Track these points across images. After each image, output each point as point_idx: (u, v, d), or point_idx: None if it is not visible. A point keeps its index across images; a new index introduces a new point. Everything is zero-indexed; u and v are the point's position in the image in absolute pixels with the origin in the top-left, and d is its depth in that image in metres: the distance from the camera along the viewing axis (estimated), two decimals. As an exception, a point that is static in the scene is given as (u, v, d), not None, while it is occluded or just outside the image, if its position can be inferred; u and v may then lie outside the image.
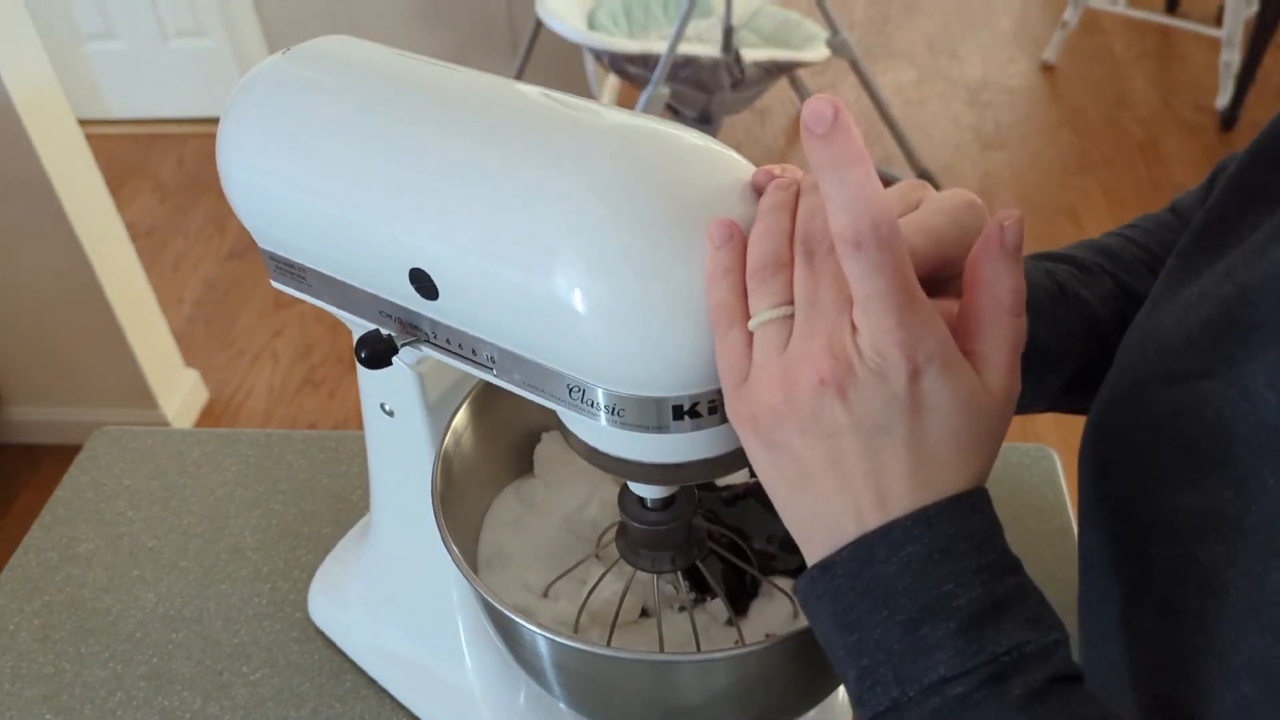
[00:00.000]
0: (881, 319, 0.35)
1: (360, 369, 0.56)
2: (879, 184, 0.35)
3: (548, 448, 0.66)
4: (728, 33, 2.34)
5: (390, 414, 0.60)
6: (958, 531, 0.37)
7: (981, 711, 0.36)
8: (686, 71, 2.35)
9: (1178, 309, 0.47)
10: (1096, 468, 0.48)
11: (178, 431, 0.94)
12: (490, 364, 0.47)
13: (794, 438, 0.38)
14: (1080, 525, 0.52)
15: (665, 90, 2.34)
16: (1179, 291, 0.48)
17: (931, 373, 0.36)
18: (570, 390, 0.44)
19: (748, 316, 0.39)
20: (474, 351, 0.47)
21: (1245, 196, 0.48)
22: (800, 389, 0.37)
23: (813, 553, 0.40)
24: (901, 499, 0.37)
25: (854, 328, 0.36)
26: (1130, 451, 0.46)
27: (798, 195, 0.40)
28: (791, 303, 0.38)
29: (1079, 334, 0.57)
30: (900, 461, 0.37)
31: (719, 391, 0.42)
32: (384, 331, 0.50)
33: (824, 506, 0.38)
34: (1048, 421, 2.06)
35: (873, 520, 0.38)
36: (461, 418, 0.59)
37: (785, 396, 0.37)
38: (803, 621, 0.54)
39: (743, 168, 0.43)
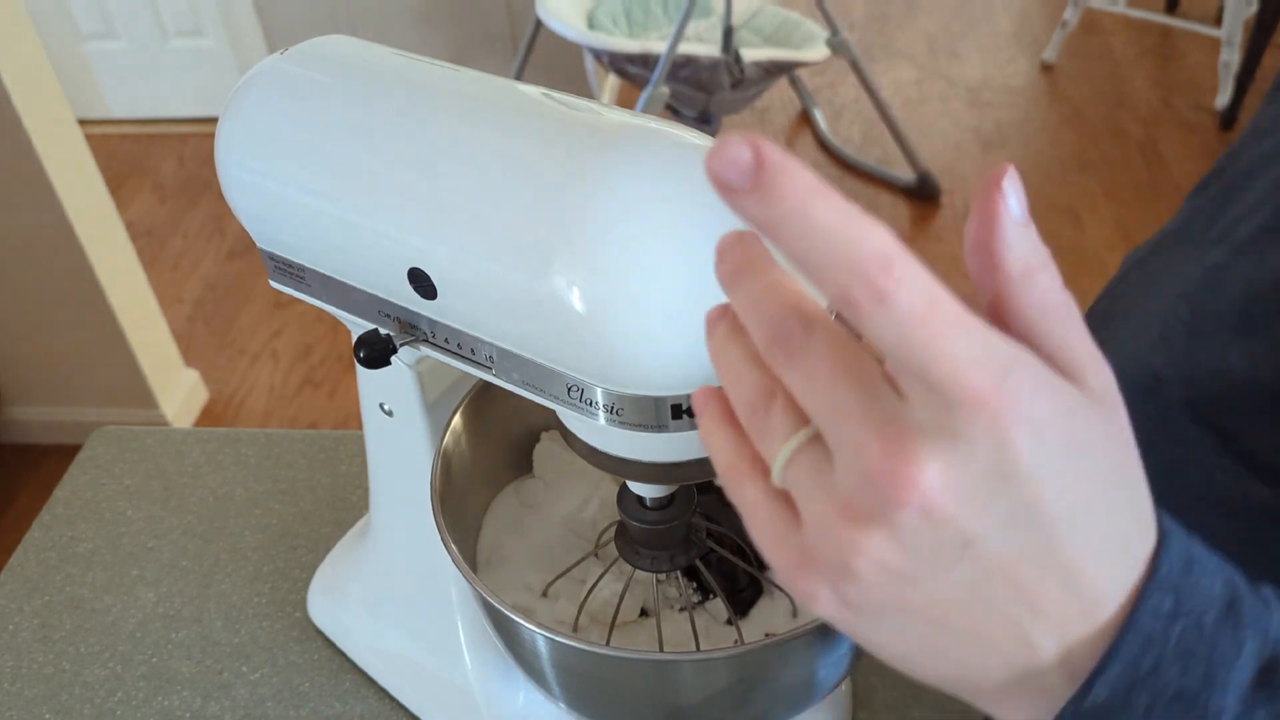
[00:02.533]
0: (941, 359, 0.25)
1: (359, 369, 0.56)
2: (852, 210, 0.26)
3: (547, 447, 0.66)
4: (728, 32, 2.34)
5: (389, 414, 0.60)
6: (1205, 567, 0.29)
7: None
8: (686, 71, 2.35)
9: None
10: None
11: (178, 431, 0.94)
12: (489, 363, 0.47)
13: (911, 591, 0.28)
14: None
15: (665, 90, 2.34)
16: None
17: (1027, 397, 0.26)
18: (569, 389, 0.44)
19: (760, 463, 0.30)
20: (473, 351, 0.47)
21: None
22: (890, 523, 0.26)
23: (1020, 712, 0.30)
24: (1104, 574, 0.28)
25: (901, 394, 0.27)
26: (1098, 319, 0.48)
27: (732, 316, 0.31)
28: (805, 422, 0.29)
29: None
30: (1077, 528, 0.27)
31: (718, 391, 0.42)
32: (383, 331, 0.50)
33: (996, 659, 0.29)
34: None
35: (1078, 626, 0.28)
36: (461, 417, 0.59)
37: (875, 545, 0.27)
38: (802, 621, 0.54)
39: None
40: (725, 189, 0.26)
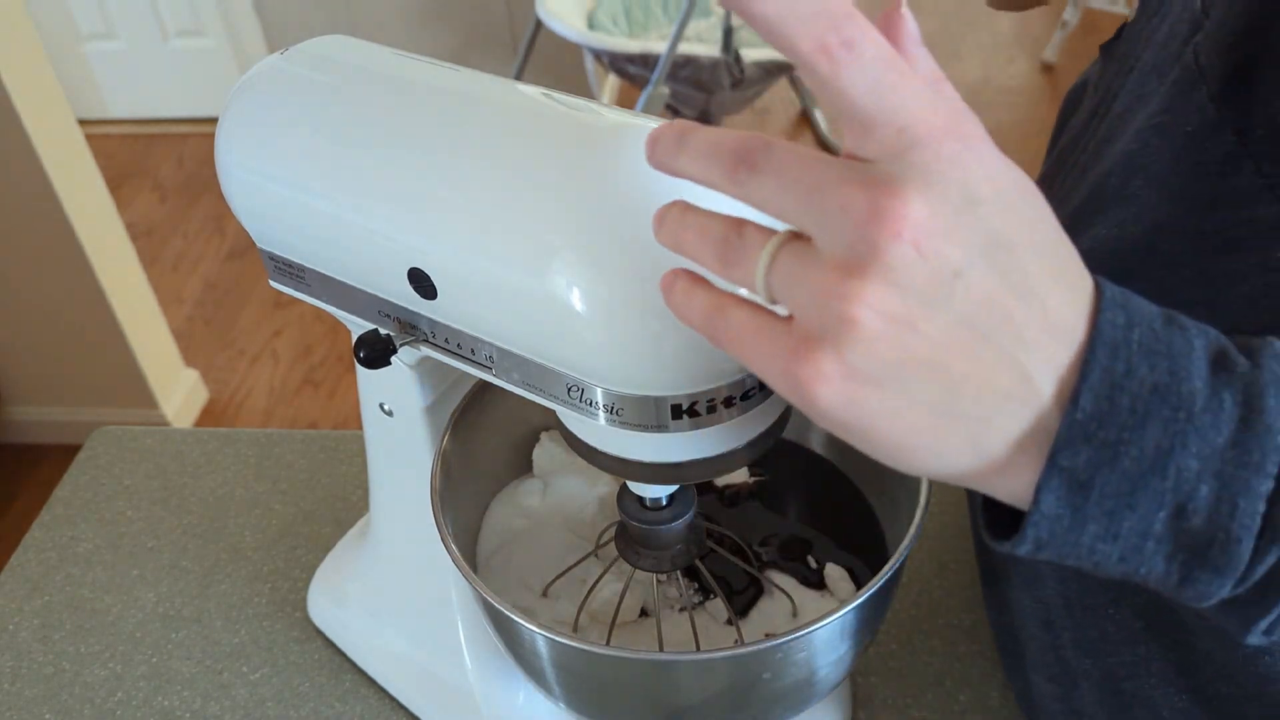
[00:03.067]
0: (904, 102, 0.28)
1: (359, 369, 0.56)
2: None
3: (547, 447, 0.66)
4: (728, 32, 2.34)
5: (389, 414, 0.60)
6: (1140, 304, 0.31)
7: None
8: (686, 71, 2.35)
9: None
10: None
11: (178, 431, 0.94)
12: (489, 363, 0.47)
13: (912, 333, 0.29)
14: None
15: (665, 90, 2.34)
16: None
17: (979, 136, 0.30)
18: (569, 389, 0.44)
19: (739, 300, 0.32)
20: (473, 351, 0.47)
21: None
22: (885, 263, 0.28)
23: (1021, 464, 0.31)
24: (1066, 304, 0.30)
25: (866, 161, 0.29)
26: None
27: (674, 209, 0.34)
28: (773, 233, 0.31)
29: None
30: (1040, 265, 0.29)
31: (718, 390, 0.42)
32: (383, 331, 0.50)
33: (992, 398, 0.30)
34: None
35: (1061, 351, 0.30)
36: (460, 417, 0.59)
37: (873, 290, 0.28)
38: (802, 621, 0.54)
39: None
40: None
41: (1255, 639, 0.33)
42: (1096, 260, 0.45)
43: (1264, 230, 0.41)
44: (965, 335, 0.29)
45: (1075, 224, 0.48)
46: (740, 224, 0.31)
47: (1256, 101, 0.41)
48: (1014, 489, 0.32)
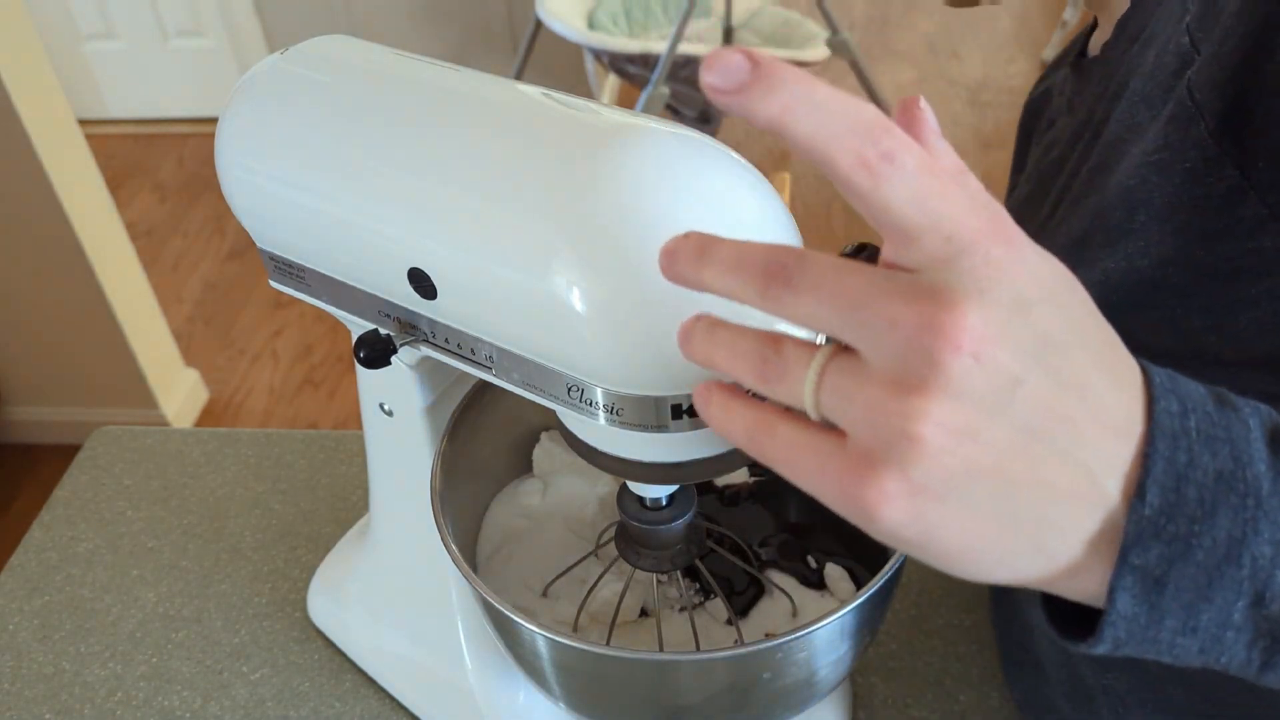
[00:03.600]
0: (948, 209, 0.28)
1: (359, 369, 0.56)
2: (837, 89, 0.28)
3: (547, 447, 0.66)
4: (728, 33, 2.34)
5: (389, 414, 0.60)
6: (1189, 387, 0.31)
7: None
8: (686, 71, 2.35)
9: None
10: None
11: (178, 431, 0.94)
12: (489, 363, 0.47)
13: (976, 446, 0.28)
14: None
15: (665, 90, 2.34)
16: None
17: (1017, 235, 0.29)
18: (569, 389, 0.44)
19: (788, 415, 0.31)
20: (473, 351, 0.47)
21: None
22: (945, 376, 0.27)
23: (1094, 564, 0.30)
24: (1121, 398, 0.30)
25: (910, 270, 0.28)
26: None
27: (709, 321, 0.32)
28: (817, 346, 0.30)
29: None
30: (1091, 362, 0.29)
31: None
32: (383, 331, 0.50)
33: (1059, 503, 0.29)
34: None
35: (1122, 447, 0.29)
36: (461, 417, 0.59)
37: (935, 405, 0.27)
38: (802, 621, 0.54)
39: (742, 167, 0.43)
40: (728, 93, 0.27)
41: None
42: (1109, 292, 0.45)
43: (1271, 258, 0.42)
44: (1027, 441, 0.28)
45: (1079, 255, 0.48)
46: (777, 340, 0.30)
47: (1256, 135, 0.41)
48: (1086, 588, 0.31)
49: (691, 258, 0.31)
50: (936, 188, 0.28)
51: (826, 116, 0.27)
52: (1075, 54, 0.59)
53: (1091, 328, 0.30)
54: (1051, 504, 0.29)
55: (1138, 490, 0.29)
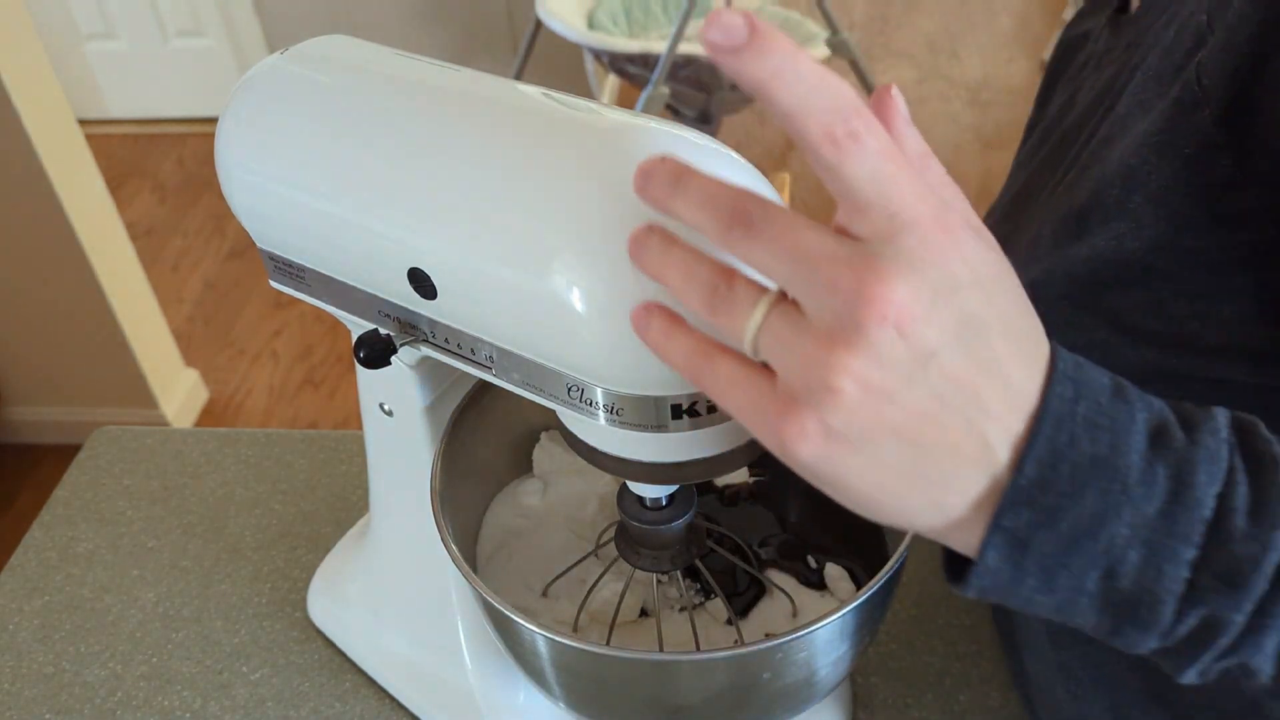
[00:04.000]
0: (897, 191, 0.31)
1: (359, 369, 0.56)
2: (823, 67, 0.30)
3: (547, 447, 0.66)
4: (728, 32, 2.34)
5: (389, 414, 0.60)
6: (1091, 375, 0.34)
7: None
8: (686, 71, 2.35)
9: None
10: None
11: (178, 431, 0.94)
12: (489, 363, 0.47)
13: (889, 405, 0.31)
14: None
15: (665, 90, 2.34)
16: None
17: (960, 226, 0.32)
18: (569, 389, 0.44)
19: (726, 350, 0.34)
20: (473, 351, 0.47)
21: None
22: (868, 340, 0.30)
23: (976, 522, 0.34)
24: (1026, 378, 0.33)
25: (856, 238, 0.31)
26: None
27: (661, 233, 0.35)
28: (768, 290, 0.33)
29: None
30: (1006, 344, 0.32)
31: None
32: (383, 331, 0.50)
33: (956, 464, 0.32)
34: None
35: (1017, 422, 0.32)
36: (460, 417, 0.59)
37: (856, 363, 0.31)
38: (802, 621, 0.54)
39: (742, 167, 0.43)
40: (726, 51, 0.30)
41: (1189, 680, 0.35)
42: (1099, 268, 0.46)
43: (1261, 253, 0.42)
44: (935, 408, 0.32)
45: (1077, 227, 0.48)
46: (730, 274, 0.33)
47: (1258, 130, 0.41)
48: (968, 543, 0.34)
49: (665, 183, 0.33)
50: (891, 170, 0.31)
51: (806, 90, 0.30)
52: (1116, 5, 0.58)
53: (1013, 314, 0.33)
54: (950, 466, 0.33)
55: (1018, 462, 0.32)
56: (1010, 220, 0.58)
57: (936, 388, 0.31)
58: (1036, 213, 0.55)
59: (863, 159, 0.30)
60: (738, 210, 0.32)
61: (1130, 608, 0.34)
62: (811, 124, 0.30)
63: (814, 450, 0.32)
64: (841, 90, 0.30)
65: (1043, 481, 0.33)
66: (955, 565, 0.36)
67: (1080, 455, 0.32)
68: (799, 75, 0.30)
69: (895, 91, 0.34)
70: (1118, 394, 0.34)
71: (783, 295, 0.33)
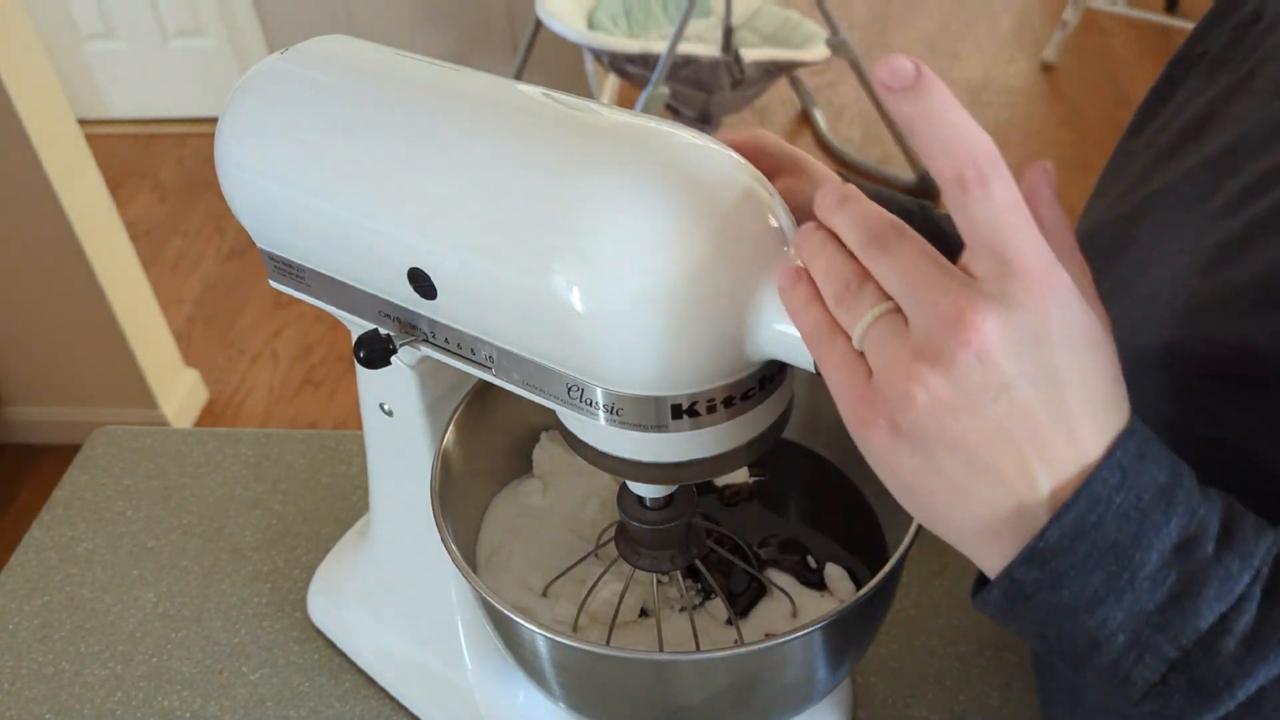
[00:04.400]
0: (1013, 241, 0.34)
1: (359, 369, 0.56)
2: (970, 117, 0.34)
3: (547, 447, 0.66)
4: (727, 32, 2.34)
5: (389, 414, 0.60)
6: (1157, 460, 0.36)
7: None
8: (686, 71, 2.35)
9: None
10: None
11: (178, 431, 0.94)
12: (489, 363, 0.47)
13: (954, 421, 0.34)
14: None
15: (665, 90, 2.34)
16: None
17: (1063, 287, 0.34)
18: (569, 389, 0.44)
19: (845, 334, 0.38)
20: (473, 351, 0.47)
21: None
22: (950, 361, 0.34)
23: (998, 550, 0.37)
24: (1086, 451, 0.35)
25: (972, 276, 0.35)
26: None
27: (826, 232, 0.39)
28: (888, 300, 0.37)
29: None
30: (1082, 406, 0.35)
31: (718, 390, 0.42)
32: (383, 331, 0.50)
33: (1000, 492, 0.35)
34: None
35: (1070, 476, 0.35)
36: (461, 417, 0.59)
37: (934, 378, 0.34)
38: (802, 621, 0.54)
39: (741, 167, 0.43)
40: (892, 91, 0.33)
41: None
42: (1267, 281, 0.44)
43: None
44: (997, 435, 0.34)
45: (1258, 294, 0.45)
46: (863, 276, 0.37)
47: None
48: (983, 563, 0.38)
49: (833, 202, 0.38)
50: (1011, 221, 0.34)
51: (949, 134, 0.34)
52: (1249, 17, 0.56)
53: (1095, 379, 0.35)
54: (994, 492, 0.35)
55: (1043, 527, 0.35)
56: (1127, 229, 0.55)
57: (1003, 419, 0.34)
58: (1183, 238, 0.50)
59: (987, 206, 0.34)
60: (880, 232, 0.36)
61: (1106, 675, 0.37)
62: (946, 165, 0.34)
63: (880, 439, 0.36)
64: (980, 140, 0.34)
65: (1059, 550, 0.35)
66: (979, 576, 0.39)
67: (1102, 538, 0.35)
68: (945, 120, 0.34)
69: (1048, 166, 0.38)
70: (1165, 494, 0.35)
71: (897, 308, 0.36)
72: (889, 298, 0.36)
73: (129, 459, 0.90)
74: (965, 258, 0.35)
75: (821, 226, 0.39)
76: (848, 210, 0.38)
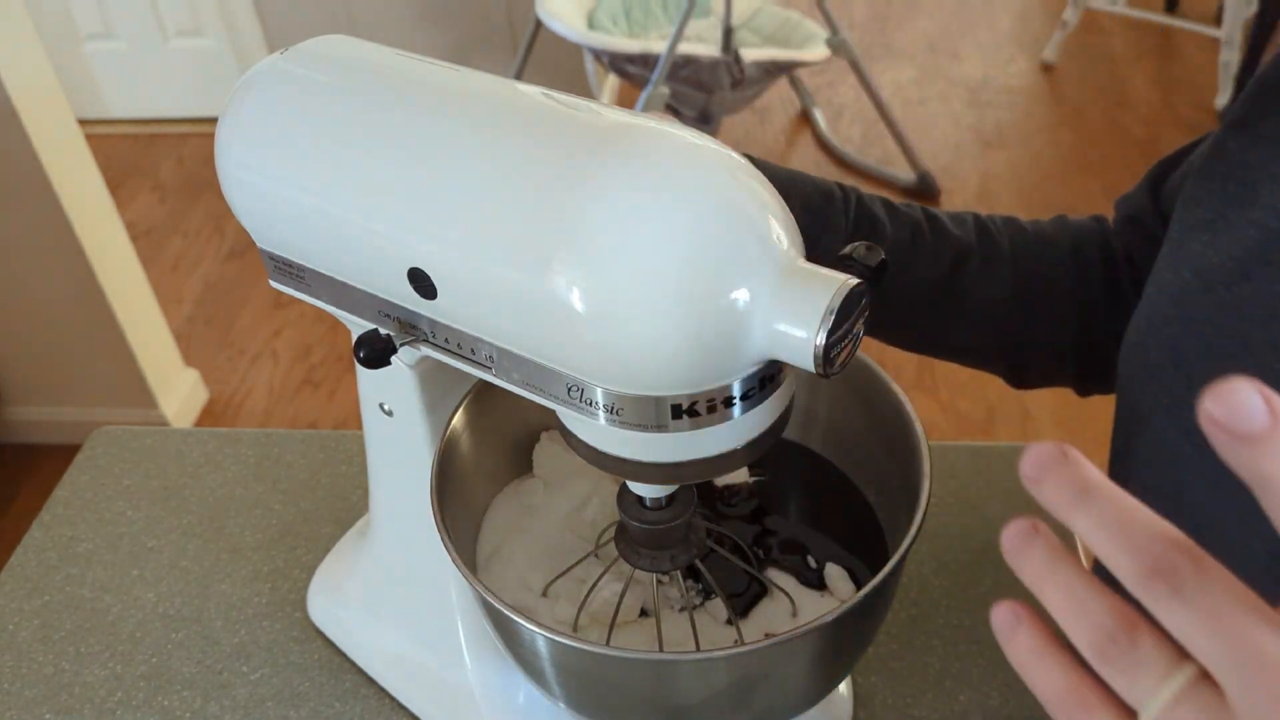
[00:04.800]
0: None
1: (359, 369, 0.56)
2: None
3: (547, 447, 0.66)
4: (727, 32, 2.34)
5: (389, 414, 0.60)
6: None
7: None
8: (686, 71, 2.35)
9: (1203, 237, 0.53)
10: (1147, 374, 0.54)
11: (178, 431, 0.94)
12: (489, 363, 0.47)
13: None
14: (1124, 433, 0.60)
15: (665, 90, 2.34)
16: (1198, 227, 0.54)
17: None
18: (569, 389, 0.44)
19: (1110, 697, 0.27)
20: (473, 351, 0.47)
21: (1249, 140, 0.54)
22: None
23: None
24: None
25: None
26: (1181, 353, 0.52)
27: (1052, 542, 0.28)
28: (1182, 658, 0.26)
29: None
30: None
31: (718, 390, 0.42)
32: (383, 331, 0.50)
33: None
34: (1047, 422, 2.06)
35: None
36: (460, 417, 0.59)
37: None
38: (802, 621, 0.54)
39: (741, 166, 0.43)
40: (1227, 434, 0.25)
41: None
42: None
43: None
44: None
45: None
46: (1134, 625, 0.26)
47: None
48: None
49: (1066, 489, 0.27)
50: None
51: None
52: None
53: None
54: None
55: None
56: (1242, 285, 0.52)
57: None
58: None
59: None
60: (1165, 561, 0.25)
61: None
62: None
63: None
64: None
65: None
66: None
67: None
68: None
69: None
70: None
71: (1204, 674, 0.26)
72: (1181, 654, 0.26)
73: (129, 459, 0.91)
74: None
75: (1040, 530, 0.28)
76: (1097, 510, 0.26)
